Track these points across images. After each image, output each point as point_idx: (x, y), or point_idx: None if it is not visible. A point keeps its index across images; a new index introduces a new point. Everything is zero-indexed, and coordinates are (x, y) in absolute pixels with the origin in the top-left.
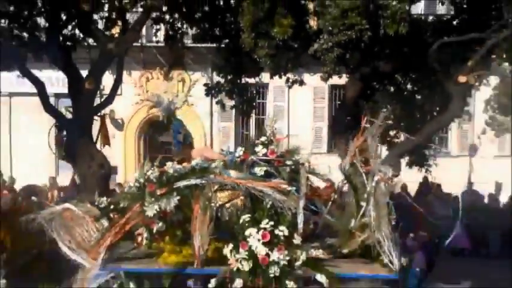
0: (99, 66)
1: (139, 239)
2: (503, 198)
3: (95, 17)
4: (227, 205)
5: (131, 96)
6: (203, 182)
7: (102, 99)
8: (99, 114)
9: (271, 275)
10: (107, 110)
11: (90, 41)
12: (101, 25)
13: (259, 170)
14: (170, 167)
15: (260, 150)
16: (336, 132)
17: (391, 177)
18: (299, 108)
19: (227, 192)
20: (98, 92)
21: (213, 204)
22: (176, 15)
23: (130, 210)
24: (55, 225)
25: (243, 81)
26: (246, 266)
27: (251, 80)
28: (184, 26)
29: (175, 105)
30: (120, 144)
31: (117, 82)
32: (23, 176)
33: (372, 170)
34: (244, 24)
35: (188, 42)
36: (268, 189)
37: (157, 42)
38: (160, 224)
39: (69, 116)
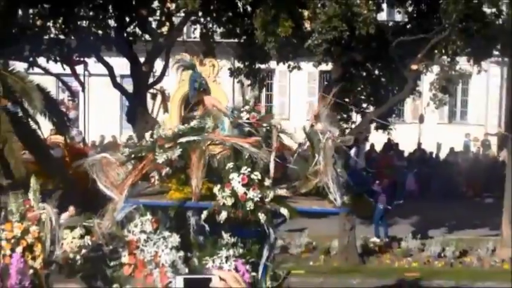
0: (152, 55)
1: (153, 180)
2: (442, 154)
3: (150, 19)
4: (217, 155)
5: (175, 77)
6: (199, 138)
7: (154, 79)
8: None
9: (248, 209)
10: (158, 87)
11: (146, 36)
12: (154, 25)
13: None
14: (175, 126)
15: (244, 115)
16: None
17: (337, 136)
18: (297, 87)
19: (217, 146)
20: (151, 74)
21: (206, 155)
22: (208, 18)
23: (146, 158)
24: (96, 169)
25: (256, 66)
26: (229, 202)
27: (262, 66)
28: (214, 26)
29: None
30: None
31: (165, 66)
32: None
33: (323, 130)
34: (258, 25)
35: (217, 38)
36: (246, 144)
37: (195, 37)
38: (168, 169)
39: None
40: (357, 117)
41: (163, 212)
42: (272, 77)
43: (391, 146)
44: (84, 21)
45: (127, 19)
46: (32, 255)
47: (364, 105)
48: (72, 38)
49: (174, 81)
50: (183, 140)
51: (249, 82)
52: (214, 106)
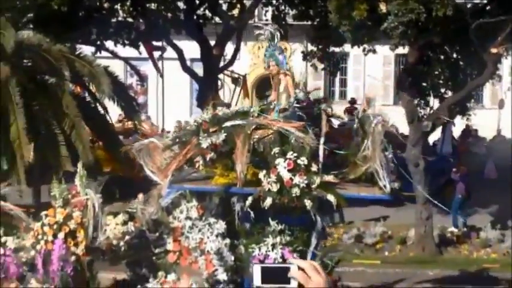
0: (223, 38)
1: (197, 165)
2: None
3: (220, 1)
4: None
5: (246, 61)
6: (244, 122)
7: (225, 62)
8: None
9: (293, 195)
10: (227, 72)
11: (217, 19)
12: (224, 7)
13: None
14: (220, 110)
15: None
16: (400, 89)
17: (387, 121)
18: (372, 71)
19: (263, 130)
20: (222, 57)
21: (251, 140)
22: (281, 0)
23: (190, 143)
24: (142, 154)
25: (330, 50)
26: (275, 188)
27: (336, 49)
28: (287, 7)
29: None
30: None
31: (236, 50)
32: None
33: (372, 114)
34: (332, 7)
35: (289, 20)
36: (292, 129)
37: (266, 20)
38: (212, 153)
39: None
40: (434, 102)
41: (209, 198)
42: (346, 61)
43: (469, 133)
44: (153, 4)
45: (197, 1)
46: (74, 241)
47: (442, 89)
48: (141, 21)
49: (245, 65)
50: (228, 124)
51: (322, 66)
52: (286, 87)
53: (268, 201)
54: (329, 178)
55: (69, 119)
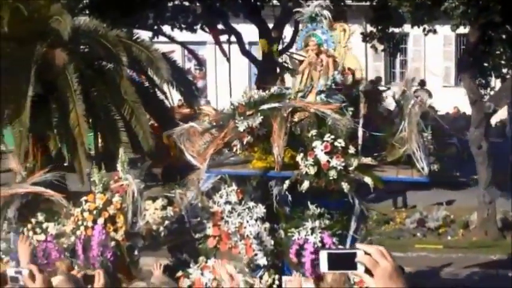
0: (281, 21)
1: (235, 149)
2: None
3: None
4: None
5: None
6: (280, 105)
7: (284, 45)
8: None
9: (331, 178)
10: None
11: (275, 1)
12: None
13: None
14: (256, 93)
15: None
16: (461, 70)
17: (424, 102)
18: (432, 51)
19: (300, 113)
20: (281, 40)
21: (288, 122)
22: None
23: (227, 127)
24: (183, 139)
25: (390, 30)
26: (312, 170)
27: (396, 30)
28: None
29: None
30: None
31: (295, 32)
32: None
33: (410, 95)
34: None
35: (348, 1)
36: (328, 111)
37: (325, 0)
38: (249, 137)
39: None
40: (496, 83)
41: (249, 182)
42: (406, 42)
43: None
44: None
45: None
46: (113, 226)
47: (504, 70)
48: (198, 4)
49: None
50: (264, 107)
51: (382, 47)
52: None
53: (306, 185)
54: (366, 160)
55: (128, 105)
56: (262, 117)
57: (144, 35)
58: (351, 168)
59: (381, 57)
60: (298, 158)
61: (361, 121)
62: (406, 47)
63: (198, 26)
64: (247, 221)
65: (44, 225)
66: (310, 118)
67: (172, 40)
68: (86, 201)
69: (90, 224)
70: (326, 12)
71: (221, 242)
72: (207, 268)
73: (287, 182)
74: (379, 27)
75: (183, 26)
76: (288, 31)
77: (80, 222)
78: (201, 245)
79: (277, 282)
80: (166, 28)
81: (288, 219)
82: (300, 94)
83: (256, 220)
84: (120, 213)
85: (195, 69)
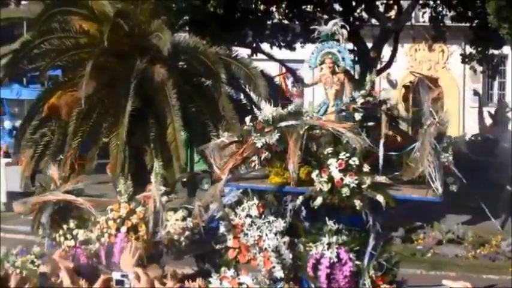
0: (380, 40)
1: (253, 164)
2: None
3: (377, 3)
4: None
5: (403, 63)
6: (297, 123)
7: (382, 65)
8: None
9: (343, 195)
10: (384, 74)
11: (373, 21)
12: (381, 9)
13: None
14: (274, 111)
15: (359, 100)
16: None
17: (440, 122)
18: None
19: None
20: (379, 60)
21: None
22: (438, 1)
23: (246, 142)
24: (213, 153)
25: (489, 52)
26: (326, 187)
27: (495, 51)
28: (444, 9)
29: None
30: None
31: (394, 52)
32: None
33: (427, 116)
34: (491, 9)
35: (447, 21)
36: (343, 129)
37: (424, 22)
38: (267, 153)
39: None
40: None
41: (270, 197)
42: (505, 63)
43: None
44: (309, 6)
45: (353, 3)
46: (135, 235)
47: None
48: (296, 23)
49: (401, 67)
50: (282, 124)
51: (481, 68)
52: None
53: (319, 201)
54: (381, 179)
55: (225, 121)
56: (279, 134)
57: (243, 52)
58: (363, 186)
59: (479, 79)
60: (314, 174)
61: (382, 141)
62: (505, 69)
63: (297, 44)
64: (266, 235)
65: (74, 232)
66: (327, 136)
67: (270, 58)
68: (112, 209)
69: (113, 231)
70: (343, 31)
71: (240, 254)
72: (226, 279)
73: (300, 198)
74: (479, 49)
75: (282, 43)
76: (385, 51)
77: (104, 230)
78: (222, 256)
79: None
80: (265, 46)
81: (307, 234)
82: (316, 112)
83: (275, 234)
84: (143, 222)
85: (292, 86)
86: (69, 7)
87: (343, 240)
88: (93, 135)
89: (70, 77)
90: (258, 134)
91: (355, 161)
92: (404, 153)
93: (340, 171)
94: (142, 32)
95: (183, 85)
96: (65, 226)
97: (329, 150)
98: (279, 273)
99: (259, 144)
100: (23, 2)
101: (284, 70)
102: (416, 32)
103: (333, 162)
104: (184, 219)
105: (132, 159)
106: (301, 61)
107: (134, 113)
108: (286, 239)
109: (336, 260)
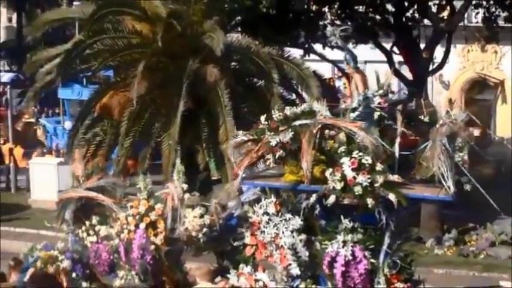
0: (432, 40)
1: (268, 162)
2: None
3: (430, 3)
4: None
5: (456, 64)
6: (311, 122)
7: (434, 66)
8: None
9: (356, 193)
10: (437, 75)
11: (426, 21)
12: (434, 9)
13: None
14: (288, 109)
15: (376, 100)
16: None
17: (456, 123)
18: None
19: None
20: (431, 60)
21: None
22: (491, 1)
23: (260, 141)
24: (234, 152)
25: None
26: (339, 186)
27: None
28: (498, 9)
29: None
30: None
31: (446, 53)
32: None
33: (440, 116)
34: None
35: (500, 22)
36: (355, 128)
37: (476, 22)
38: (281, 151)
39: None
40: None
41: (287, 195)
42: None
43: None
44: (361, 6)
45: (406, 3)
46: (154, 231)
47: None
48: (349, 23)
49: (455, 68)
50: (296, 123)
51: None
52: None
53: (332, 199)
54: (393, 178)
55: None
56: (293, 132)
57: (296, 53)
58: (376, 185)
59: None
60: (327, 173)
61: (397, 140)
62: None
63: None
64: (283, 232)
65: (97, 228)
66: (340, 135)
67: (323, 58)
68: (131, 206)
69: (132, 227)
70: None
71: (258, 251)
72: (243, 275)
73: (314, 196)
74: None
75: (334, 44)
76: (438, 51)
77: (124, 226)
78: (240, 253)
79: None
80: (317, 46)
81: (324, 232)
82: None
83: (292, 231)
84: (161, 219)
85: (344, 87)
86: (121, 7)
87: (358, 239)
88: (145, 135)
89: (122, 77)
90: (272, 133)
91: (367, 160)
92: (417, 153)
93: (353, 170)
94: (194, 32)
95: (235, 85)
96: (87, 222)
97: (342, 149)
98: (295, 270)
99: (273, 143)
100: (75, 3)
101: (336, 70)
102: (469, 33)
103: (346, 161)
104: (201, 216)
105: (184, 159)
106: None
107: (186, 113)
108: (303, 236)
109: (351, 258)
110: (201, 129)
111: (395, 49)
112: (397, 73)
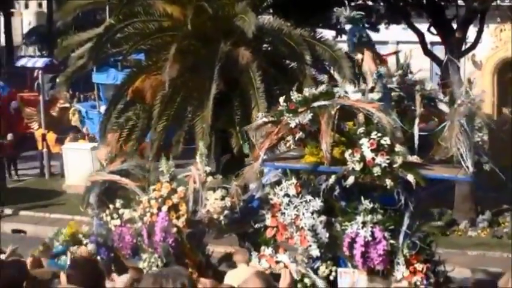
0: (465, 20)
1: (288, 144)
2: None
3: None
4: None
5: (489, 43)
6: (329, 103)
7: (467, 46)
8: None
9: (375, 174)
10: (469, 54)
11: (459, 1)
12: None
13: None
14: (307, 91)
15: (395, 80)
16: None
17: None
18: None
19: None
20: (464, 40)
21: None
22: None
23: (280, 123)
24: (255, 133)
25: None
26: (358, 166)
27: None
28: None
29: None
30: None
31: (479, 33)
32: None
33: (458, 96)
34: None
35: None
36: (373, 109)
37: (509, 1)
38: (301, 133)
39: None
40: None
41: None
42: None
43: None
44: None
45: None
46: (176, 214)
47: None
48: (381, 4)
49: (487, 48)
50: (315, 104)
51: None
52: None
53: (351, 180)
54: (412, 158)
55: None
56: (311, 114)
57: (328, 34)
58: (395, 166)
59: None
60: (347, 154)
61: (416, 120)
62: None
63: (382, 25)
64: (303, 214)
65: (120, 211)
66: (359, 116)
67: None
68: (154, 189)
69: (155, 210)
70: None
71: (278, 233)
72: (264, 257)
73: (333, 177)
74: None
75: (366, 25)
76: (471, 31)
77: (147, 209)
78: (261, 235)
79: (333, 273)
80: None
81: (344, 213)
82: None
83: (312, 213)
84: (183, 202)
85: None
86: None
87: (377, 219)
88: (178, 119)
89: (154, 61)
90: (291, 114)
91: (386, 140)
92: (435, 133)
93: (372, 151)
94: (226, 14)
95: (267, 67)
96: (111, 206)
97: (361, 130)
98: (315, 251)
99: (292, 124)
100: None
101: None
102: (502, 12)
103: (364, 142)
104: (222, 198)
105: (217, 142)
106: (386, 42)
107: (218, 96)
108: (323, 218)
109: (370, 238)
110: (234, 112)
111: (432, 30)
112: (429, 53)
